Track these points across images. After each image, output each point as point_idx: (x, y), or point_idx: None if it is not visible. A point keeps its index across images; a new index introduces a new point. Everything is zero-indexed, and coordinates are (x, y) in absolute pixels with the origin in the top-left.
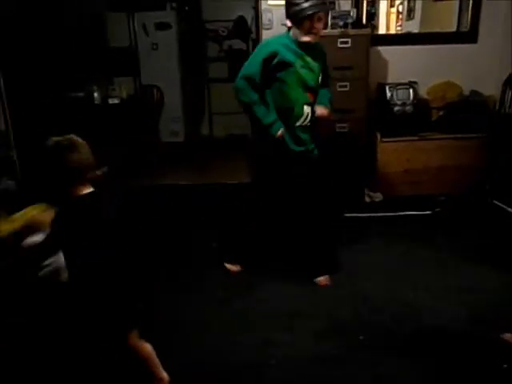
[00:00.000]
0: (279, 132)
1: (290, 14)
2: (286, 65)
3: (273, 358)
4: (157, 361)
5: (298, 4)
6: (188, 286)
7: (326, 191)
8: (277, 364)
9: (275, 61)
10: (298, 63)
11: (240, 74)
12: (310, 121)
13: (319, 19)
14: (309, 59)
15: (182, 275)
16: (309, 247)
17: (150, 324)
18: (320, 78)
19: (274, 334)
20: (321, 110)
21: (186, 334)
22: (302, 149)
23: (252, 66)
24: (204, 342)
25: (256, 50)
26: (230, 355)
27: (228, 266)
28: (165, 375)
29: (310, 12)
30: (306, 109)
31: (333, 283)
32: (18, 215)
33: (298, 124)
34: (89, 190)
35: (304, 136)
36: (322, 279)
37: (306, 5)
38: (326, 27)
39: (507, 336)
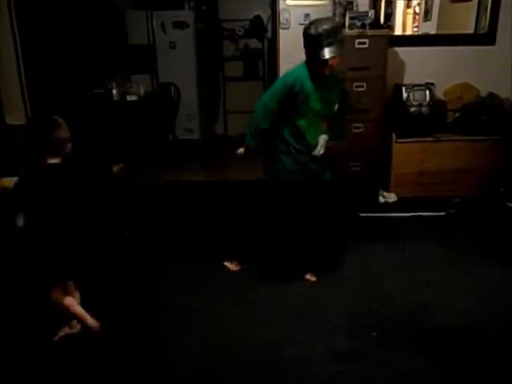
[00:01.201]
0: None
1: (307, 50)
2: (303, 97)
3: (287, 355)
4: (80, 311)
5: (315, 46)
6: (200, 283)
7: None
8: (291, 361)
9: (293, 92)
10: (314, 95)
11: (261, 103)
12: (322, 149)
13: (335, 60)
14: (324, 90)
15: (194, 272)
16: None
17: (163, 320)
18: (336, 107)
19: (288, 331)
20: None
21: (198, 331)
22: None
23: (271, 99)
24: (218, 340)
25: (276, 83)
26: (243, 353)
27: (227, 264)
28: (93, 322)
29: (327, 57)
30: (322, 137)
31: (346, 281)
32: None
33: (313, 153)
34: (56, 160)
35: (314, 166)
36: (308, 276)
37: (324, 51)
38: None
39: None
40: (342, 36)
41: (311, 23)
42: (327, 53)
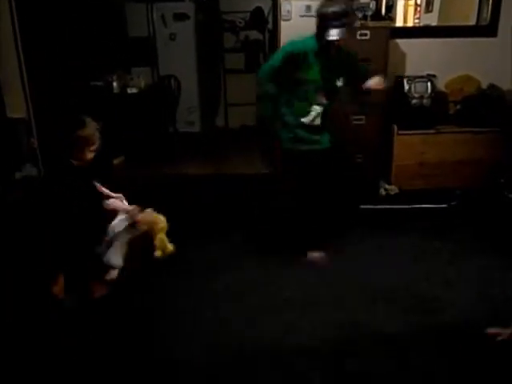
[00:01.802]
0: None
1: (316, 27)
2: (305, 65)
3: (288, 346)
4: None
5: (323, 25)
6: (204, 273)
7: (338, 182)
8: (291, 351)
9: (296, 60)
10: (316, 66)
11: (262, 66)
12: (316, 120)
13: (343, 31)
14: (328, 63)
15: (197, 263)
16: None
17: (169, 309)
18: (341, 80)
19: (288, 322)
20: (374, 82)
21: (199, 325)
22: (306, 147)
23: (274, 60)
24: (221, 326)
25: (281, 47)
26: (246, 340)
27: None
28: None
29: (331, 38)
30: (316, 108)
31: (346, 273)
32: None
33: (303, 120)
34: (81, 162)
35: (309, 136)
36: (316, 255)
37: (330, 32)
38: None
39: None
40: (351, 20)
41: (324, 3)
42: (333, 34)
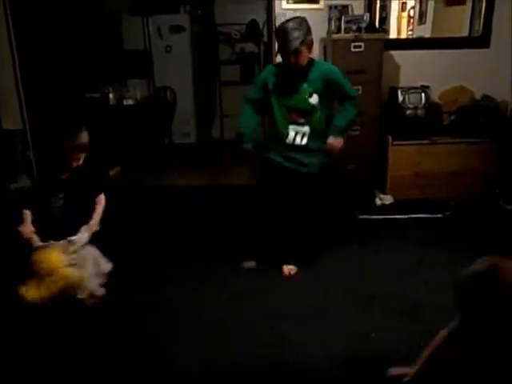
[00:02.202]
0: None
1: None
2: (271, 89)
3: (285, 357)
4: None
5: (280, 40)
6: (198, 284)
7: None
8: (289, 364)
9: (267, 86)
10: (280, 87)
11: (245, 99)
12: (302, 140)
13: (296, 56)
14: (294, 82)
15: (193, 273)
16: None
17: (161, 323)
18: (315, 99)
19: (286, 333)
20: (330, 143)
21: (196, 333)
22: (290, 165)
23: (253, 92)
24: (217, 341)
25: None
26: (243, 354)
27: (244, 263)
28: None
29: (282, 58)
30: (293, 128)
31: (343, 283)
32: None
33: (287, 142)
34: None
35: (295, 155)
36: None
37: (281, 51)
38: (309, 53)
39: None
40: (302, 35)
41: (284, 21)
42: (282, 55)
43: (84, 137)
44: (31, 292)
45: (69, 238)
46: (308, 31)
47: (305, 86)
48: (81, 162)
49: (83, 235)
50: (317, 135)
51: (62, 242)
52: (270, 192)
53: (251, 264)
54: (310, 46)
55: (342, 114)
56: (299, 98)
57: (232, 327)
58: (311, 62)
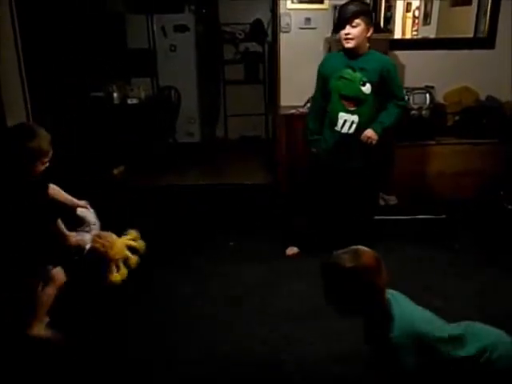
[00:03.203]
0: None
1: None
2: (327, 78)
3: (290, 355)
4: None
5: (337, 21)
6: (199, 284)
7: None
8: (293, 361)
9: (322, 74)
10: (335, 75)
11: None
12: (350, 128)
13: (353, 26)
14: (348, 70)
15: (197, 270)
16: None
17: (162, 322)
18: (368, 88)
19: (288, 332)
20: (366, 134)
21: (197, 333)
22: (336, 163)
23: (316, 93)
24: (219, 336)
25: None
26: (246, 350)
27: (288, 250)
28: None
29: (341, 32)
30: (343, 116)
31: None
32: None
33: (336, 129)
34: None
35: (342, 145)
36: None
37: (339, 25)
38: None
39: None
40: (360, 9)
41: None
42: (339, 23)
43: (48, 141)
44: (116, 275)
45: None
46: (368, 12)
47: (358, 74)
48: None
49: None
50: (365, 126)
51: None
52: (321, 188)
53: (294, 250)
54: (368, 23)
55: (388, 111)
56: (351, 85)
57: (233, 325)
58: (369, 51)
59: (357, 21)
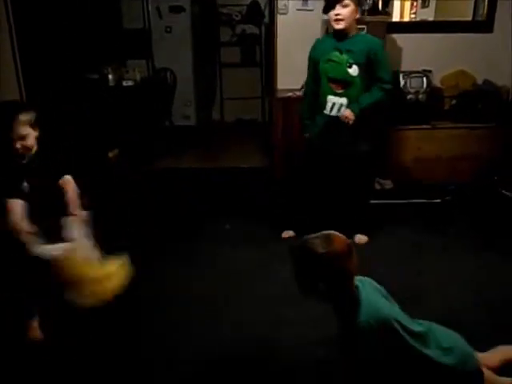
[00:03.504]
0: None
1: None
2: (317, 61)
3: (284, 337)
4: None
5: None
6: (201, 263)
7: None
8: (287, 344)
9: (312, 57)
10: (323, 58)
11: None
12: (339, 111)
13: (343, 6)
14: (336, 53)
15: (195, 254)
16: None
17: (165, 299)
18: (355, 70)
19: (284, 313)
20: (344, 113)
21: (196, 319)
22: (327, 147)
23: (308, 79)
24: (218, 317)
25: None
26: (242, 331)
27: (284, 233)
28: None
29: (330, 13)
30: (331, 98)
31: None
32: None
33: (325, 112)
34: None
35: (332, 128)
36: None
37: (328, 5)
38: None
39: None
40: None
41: None
42: (331, 7)
43: (22, 121)
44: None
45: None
46: None
47: (345, 56)
48: (31, 145)
49: (77, 232)
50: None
51: (65, 245)
52: (315, 173)
53: (290, 233)
54: (355, 4)
55: (370, 93)
56: (338, 67)
57: (228, 309)
58: (358, 33)
59: (347, 1)
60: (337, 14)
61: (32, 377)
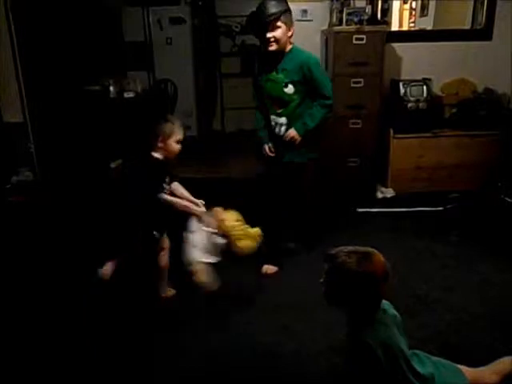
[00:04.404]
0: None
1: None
2: (259, 80)
3: (288, 346)
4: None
5: (257, 24)
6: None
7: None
8: (290, 352)
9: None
10: (263, 77)
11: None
12: (280, 131)
13: (273, 28)
14: (273, 73)
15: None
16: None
17: (163, 319)
18: (290, 89)
19: (288, 324)
20: (291, 134)
21: (196, 328)
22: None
23: (254, 94)
24: (220, 329)
25: None
26: (245, 342)
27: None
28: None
29: (259, 38)
30: (273, 118)
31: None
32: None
33: (272, 130)
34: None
35: (279, 145)
36: (270, 267)
37: (257, 28)
38: (289, 30)
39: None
40: (280, 8)
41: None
42: (255, 27)
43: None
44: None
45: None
46: (287, 10)
47: (280, 75)
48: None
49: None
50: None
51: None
52: (264, 183)
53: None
54: (288, 23)
55: (312, 112)
56: (275, 87)
57: (232, 319)
58: (291, 49)
59: (278, 23)
60: (269, 38)
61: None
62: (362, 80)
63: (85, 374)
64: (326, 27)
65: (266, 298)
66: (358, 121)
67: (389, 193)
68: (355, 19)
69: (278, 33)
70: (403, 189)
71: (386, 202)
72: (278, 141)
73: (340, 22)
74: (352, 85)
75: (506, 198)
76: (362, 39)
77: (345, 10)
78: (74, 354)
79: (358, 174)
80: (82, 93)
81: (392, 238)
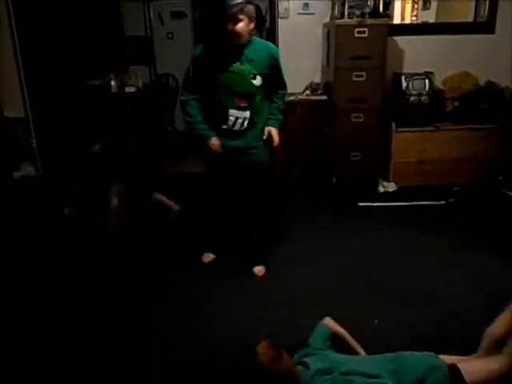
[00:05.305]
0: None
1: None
2: (213, 69)
3: (289, 339)
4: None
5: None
6: (197, 274)
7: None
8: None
9: (205, 65)
10: (221, 67)
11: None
12: (242, 126)
13: (236, 21)
14: (237, 64)
15: (191, 264)
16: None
17: (162, 313)
18: (259, 81)
19: (288, 318)
20: (268, 132)
21: (197, 322)
22: (237, 144)
23: (190, 82)
24: (220, 322)
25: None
26: (243, 335)
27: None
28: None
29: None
30: (234, 113)
31: (346, 269)
32: None
33: (226, 127)
34: None
35: (231, 141)
36: (259, 269)
37: (218, 20)
38: (252, 25)
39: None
40: (244, 5)
41: None
42: (228, 11)
43: None
44: None
45: None
46: (250, 3)
47: (247, 66)
48: None
49: None
50: (256, 120)
51: None
52: (220, 182)
53: (210, 257)
54: (250, 16)
55: (278, 105)
56: (242, 80)
57: (232, 312)
58: (253, 40)
59: (240, 16)
60: (233, 30)
61: None
62: (363, 73)
63: (83, 371)
64: (327, 20)
65: (270, 291)
66: (360, 114)
67: (391, 187)
68: (357, 12)
69: (240, 25)
70: (405, 183)
71: (387, 196)
72: (236, 137)
73: (342, 15)
74: (354, 78)
75: (508, 192)
76: (363, 32)
77: (347, 2)
78: (72, 352)
79: (359, 168)
80: (83, 87)
81: (393, 232)
